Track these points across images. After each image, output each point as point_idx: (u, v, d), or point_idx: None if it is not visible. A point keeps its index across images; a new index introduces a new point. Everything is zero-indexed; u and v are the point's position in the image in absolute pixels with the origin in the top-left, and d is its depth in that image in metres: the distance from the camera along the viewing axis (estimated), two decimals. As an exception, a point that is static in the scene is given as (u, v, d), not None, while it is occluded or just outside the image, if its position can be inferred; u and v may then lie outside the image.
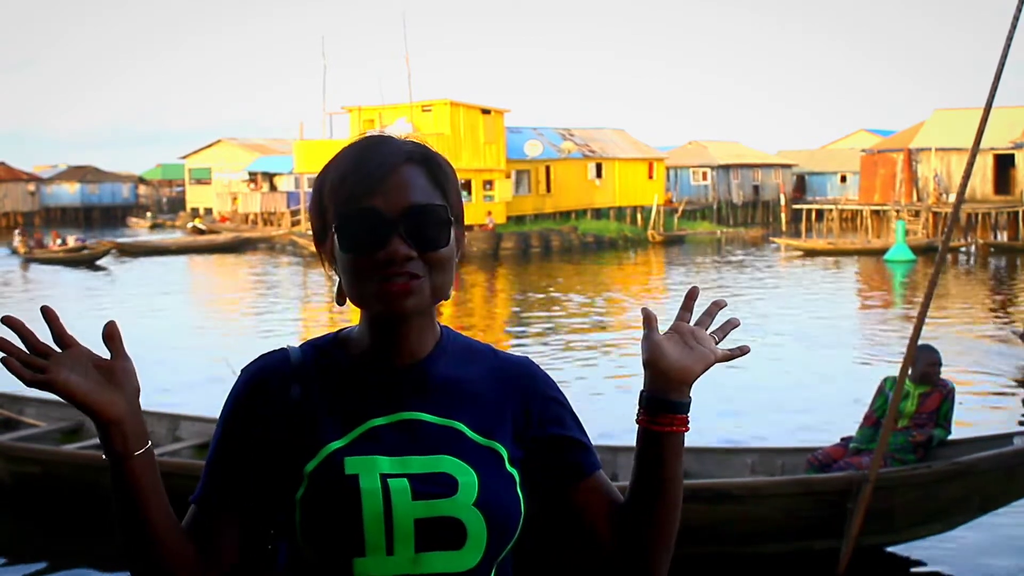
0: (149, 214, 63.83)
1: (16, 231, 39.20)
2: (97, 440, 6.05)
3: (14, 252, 36.21)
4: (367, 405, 1.39)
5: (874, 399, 6.57)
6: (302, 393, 1.40)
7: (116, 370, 1.31)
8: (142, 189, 77.27)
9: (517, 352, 1.58)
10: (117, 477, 1.31)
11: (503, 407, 1.45)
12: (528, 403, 1.47)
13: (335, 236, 1.36)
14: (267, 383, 1.41)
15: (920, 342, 6.24)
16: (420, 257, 1.34)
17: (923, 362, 6.35)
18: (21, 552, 6.78)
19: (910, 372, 6.30)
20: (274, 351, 1.46)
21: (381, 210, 1.33)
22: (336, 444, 1.36)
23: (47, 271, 31.36)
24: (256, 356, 1.46)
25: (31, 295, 24.76)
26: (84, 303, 22.31)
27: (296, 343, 1.49)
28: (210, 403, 10.46)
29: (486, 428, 1.42)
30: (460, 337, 1.51)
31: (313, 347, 1.45)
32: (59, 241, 36.42)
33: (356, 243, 1.34)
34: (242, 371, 1.44)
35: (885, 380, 6.49)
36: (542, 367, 1.56)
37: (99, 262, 33.63)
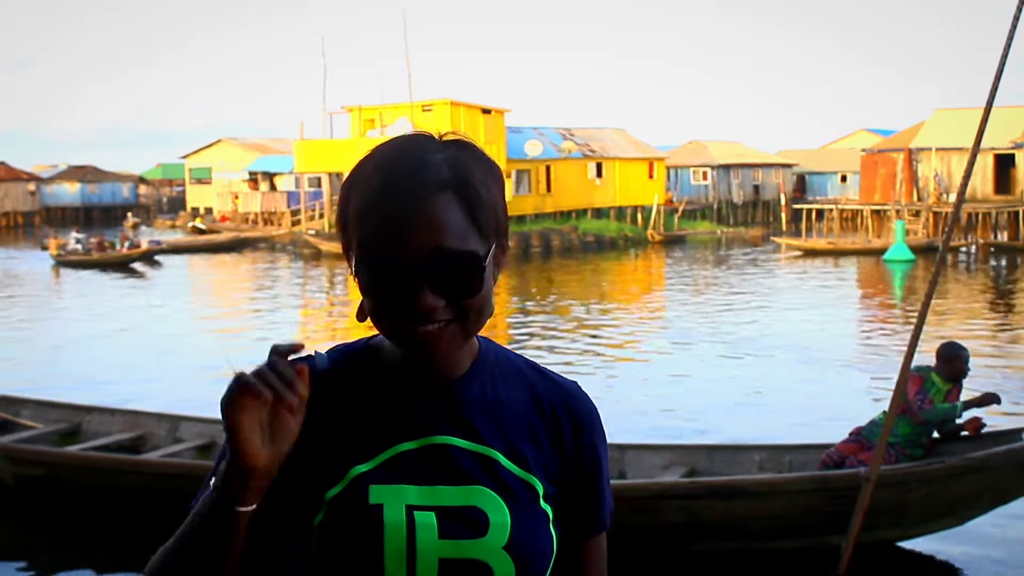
0: (130, 214, 63.22)
1: (72, 232, 35.94)
2: (98, 442, 6.06)
3: (69, 252, 33.25)
4: (396, 426, 1.29)
5: (903, 392, 6.39)
6: (328, 406, 1.29)
7: (287, 418, 1.18)
8: (142, 189, 77.28)
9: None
10: (219, 523, 1.19)
11: (541, 436, 1.34)
12: (567, 437, 1.36)
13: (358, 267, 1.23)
14: None
15: (950, 342, 6.59)
16: (450, 304, 1.22)
17: (961, 362, 6.40)
18: (23, 554, 6.78)
19: (944, 369, 6.39)
20: (300, 358, 1.31)
21: (406, 258, 1.19)
22: (361, 468, 1.27)
23: (86, 274, 29.89)
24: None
25: (63, 299, 24.77)
26: (92, 303, 22.34)
27: (327, 347, 1.37)
28: (211, 404, 10.50)
29: (522, 458, 1.32)
30: (501, 351, 1.39)
31: (343, 355, 1.35)
32: (127, 244, 33.42)
33: (379, 290, 1.21)
34: None
35: (929, 375, 6.41)
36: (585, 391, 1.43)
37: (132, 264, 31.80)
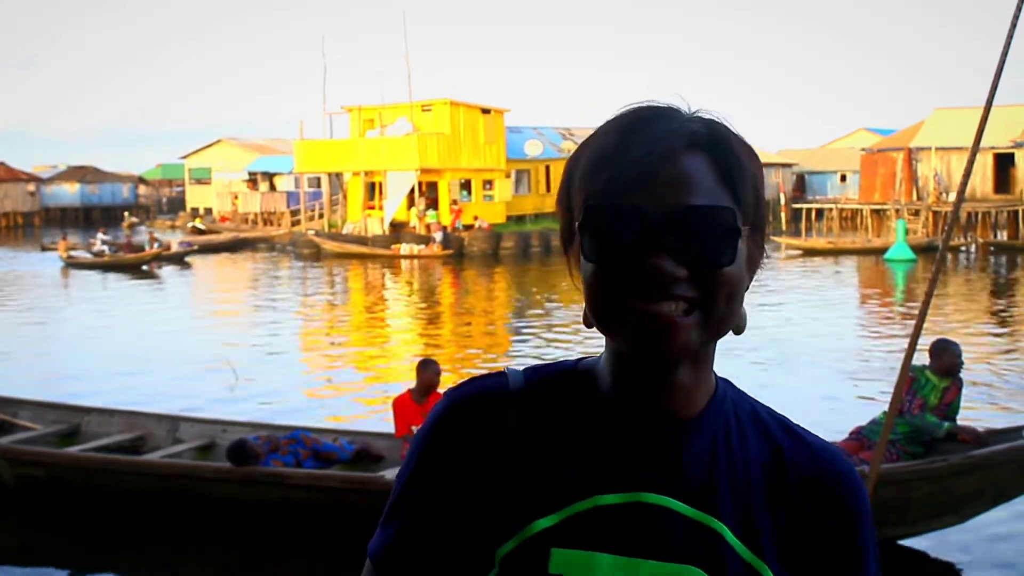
0: (127, 213, 63.06)
1: (99, 233, 35.01)
2: (98, 443, 6.09)
3: (99, 252, 32.48)
4: (596, 473, 1.02)
5: (902, 390, 6.49)
6: (514, 437, 1.05)
7: None
8: (142, 189, 77.25)
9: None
10: None
11: (781, 512, 1.05)
12: (816, 518, 1.06)
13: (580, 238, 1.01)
14: (474, 418, 1.07)
15: (939, 338, 6.68)
16: (693, 278, 0.97)
17: (951, 356, 6.45)
18: (24, 554, 6.78)
19: (936, 365, 6.43)
20: (491, 375, 1.12)
21: (644, 208, 0.96)
22: (544, 523, 1.01)
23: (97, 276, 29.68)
24: (468, 379, 1.14)
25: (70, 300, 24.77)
26: (97, 304, 22.31)
27: (519, 367, 1.14)
28: (210, 405, 10.49)
29: (755, 537, 1.03)
30: (740, 396, 1.11)
31: (541, 375, 1.10)
32: (156, 244, 32.35)
33: (604, 250, 0.98)
34: (445, 395, 1.11)
35: (922, 373, 6.44)
36: None
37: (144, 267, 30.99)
